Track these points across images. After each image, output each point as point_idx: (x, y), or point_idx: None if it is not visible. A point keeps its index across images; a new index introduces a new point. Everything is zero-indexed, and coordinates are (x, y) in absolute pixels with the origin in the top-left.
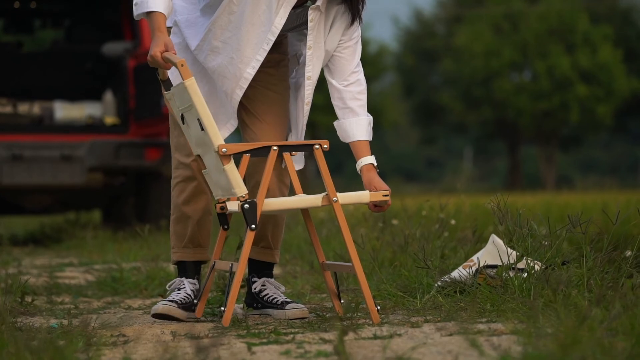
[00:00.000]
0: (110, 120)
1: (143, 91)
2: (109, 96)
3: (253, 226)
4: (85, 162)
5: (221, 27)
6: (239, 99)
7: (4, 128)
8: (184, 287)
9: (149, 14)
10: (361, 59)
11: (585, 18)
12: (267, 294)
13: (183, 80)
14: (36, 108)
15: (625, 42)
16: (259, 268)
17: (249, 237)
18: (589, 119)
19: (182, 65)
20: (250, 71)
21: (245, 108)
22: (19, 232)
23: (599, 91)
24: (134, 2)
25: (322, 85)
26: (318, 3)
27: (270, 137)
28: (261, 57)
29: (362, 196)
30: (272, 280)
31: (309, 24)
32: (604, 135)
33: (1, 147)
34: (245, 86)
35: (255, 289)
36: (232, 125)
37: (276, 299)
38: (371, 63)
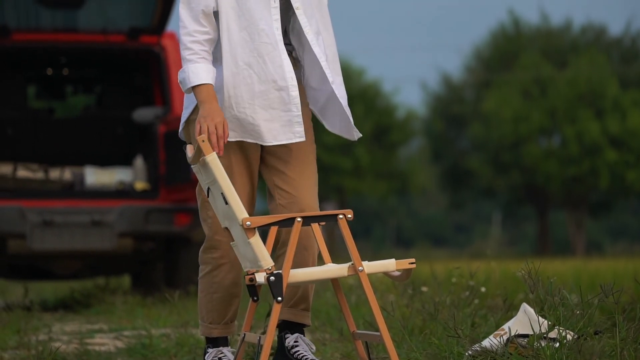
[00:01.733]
0: (140, 185)
1: (173, 157)
2: (139, 162)
3: (280, 298)
4: (116, 227)
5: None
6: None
7: (35, 194)
8: (225, 356)
9: (195, 87)
10: (390, 124)
11: (614, 83)
12: (299, 351)
13: (205, 156)
14: (67, 174)
15: None
16: (293, 326)
17: (276, 309)
18: (619, 184)
19: (204, 142)
20: (278, 32)
21: (275, 170)
22: (49, 298)
23: (629, 157)
24: (179, 79)
25: (350, 148)
26: None
27: (308, 200)
28: (277, 14)
29: (388, 265)
30: (304, 337)
31: None
32: (634, 201)
33: (33, 213)
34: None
35: (287, 343)
36: (298, 133)
37: (307, 358)
38: (400, 128)
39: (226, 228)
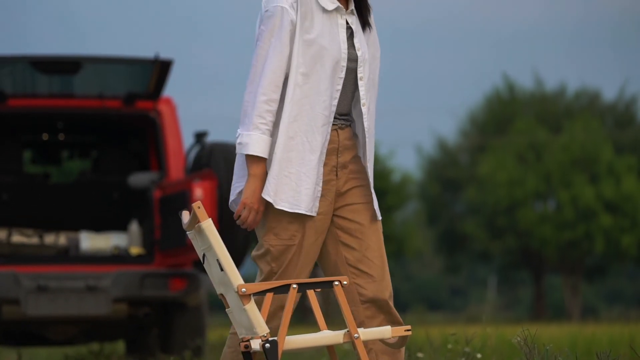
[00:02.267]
0: (135, 250)
1: (168, 222)
2: (134, 226)
3: None
4: (110, 292)
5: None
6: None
7: (30, 259)
8: None
9: (252, 157)
10: (385, 188)
11: (609, 148)
12: None
13: (200, 222)
14: (62, 239)
15: None
16: None
17: None
18: (614, 249)
19: (199, 208)
20: (334, 104)
21: (343, 245)
22: None
23: (624, 221)
24: (238, 140)
25: None
26: (351, 7)
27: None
28: (340, 84)
29: (384, 332)
30: None
31: (353, 28)
32: (629, 266)
33: (27, 278)
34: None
35: None
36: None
37: None
38: (395, 192)
39: (222, 294)
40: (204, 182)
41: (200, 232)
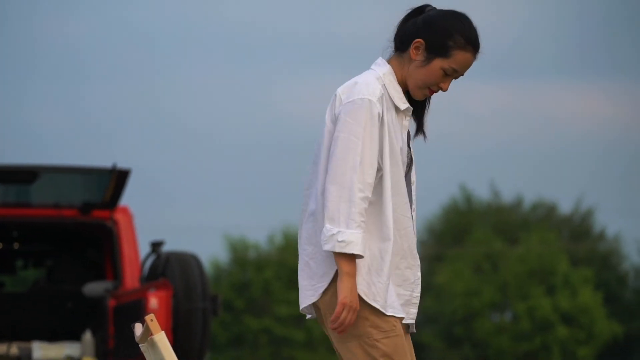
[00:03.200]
0: None
1: (122, 331)
2: (88, 336)
3: None
4: None
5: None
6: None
7: None
8: None
9: (347, 256)
10: None
11: (565, 260)
12: None
13: (153, 335)
14: (14, 349)
15: (605, 286)
16: None
17: None
18: None
19: (152, 320)
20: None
21: None
22: None
23: (580, 334)
24: (337, 238)
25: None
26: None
27: None
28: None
29: None
30: None
31: (409, 130)
32: None
33: None
34: None
35: None
36: (412, 315)
37: None
38: None
39: None
40: (160, 292)
41: (153, 345)
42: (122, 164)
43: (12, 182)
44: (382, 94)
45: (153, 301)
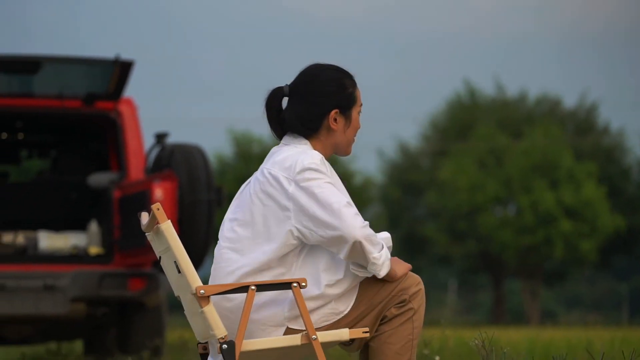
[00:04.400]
0: (94, 250)
1: (127, 222)
2: (93, 226)
3: None
4: (68, 292)
5: None
6: None
7: None
8: None
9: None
10: (347, 191)
11: (569, 155)
12: None
13: (159, 223)
14: (20, 238)
15: (609, 179)
16: None
17: None
18: (573, 254)
19: (158, 209)
20: None
21: None
22: None
23: (583, 227)
24: (381, 263)
25: None
26: None
27: None
28: None
29: (342, 334)
30: None
31: None
32: (588, 271)
33: None
34: None
35: None
36: None
37: None
38: (356, 195)
39: (179, 296)
40: (164, 183)
41: (159, 233)
42: (125, 56)
43: (15, 72)
44: (321, 157)
45: (158, 192)
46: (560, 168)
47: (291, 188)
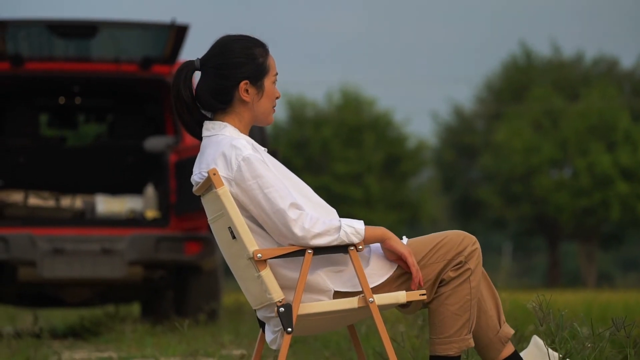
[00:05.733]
0: (151, 214)
1: (184, 186)
2: (150, 190)
3: (289, 329)
4: (126, 255)
5: None
6: None
7: (46, 222)
8: None
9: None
10: (400, 154)
11: (626, 116)
12: None
13: (216, 188)
14: (78, 202)
15: None
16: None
17: (286, 340)
18: (630, 216)
19: (214, 174)
20: None
21: None
22: (59, 325)
23: None
24: (338, 240)
25: (360, 178)
26: None
27: None
28: None
29: (399, 296)
30: None
31: None
32: None
33: (43, 240)
34: None
35: None
36: None
37: None
38: (410, 158)
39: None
40: None
41: (216, 198)
42: (181, 20)
43: (72, 36)
44: (249, 142)
45: None
46: (617, 130)
47: (233, 189)
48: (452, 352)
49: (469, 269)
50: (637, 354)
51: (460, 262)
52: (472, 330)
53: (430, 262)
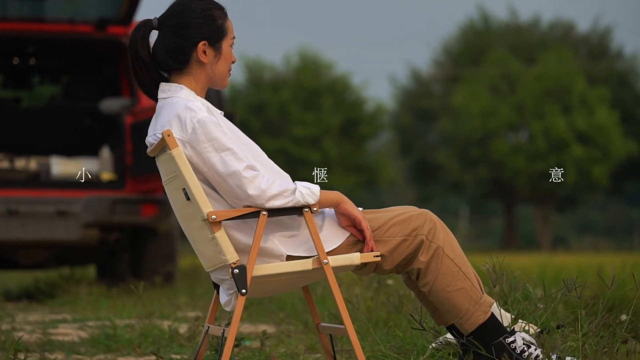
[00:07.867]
0: (106, 176)
1: (140, 148)
2: (105, 152)
3: (244, 291)
4: (81, 218)
5: None
6: None
7: (0, 183)
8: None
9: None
10: (359, 118)
11: (582, 80)
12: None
13: (170, 149)
14: (33, 163)
15: (621, 105)
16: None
17: (240, 302)
18: (585, 180)
19: (169, 136)
20: None
21: None
22: (13, 288)
23: (595, 153)
24: (293, 203)
25: (318, 141)
26: None
27: None
28: None
29: (353, 258)
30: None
31: None
32: (600, 197)
33: None
34: None
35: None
36: None
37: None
38: (368, 122)
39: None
40: None
41: (169, 160)
42: None
43: None
44: (204, 104)
45: None
46: (573, 93)
47: (187, 151)
48: (481, 320)
49: (437, 246)
50: (588, 315)
51: (421, 242)
52: (481, 285)
53: (385, 237)
